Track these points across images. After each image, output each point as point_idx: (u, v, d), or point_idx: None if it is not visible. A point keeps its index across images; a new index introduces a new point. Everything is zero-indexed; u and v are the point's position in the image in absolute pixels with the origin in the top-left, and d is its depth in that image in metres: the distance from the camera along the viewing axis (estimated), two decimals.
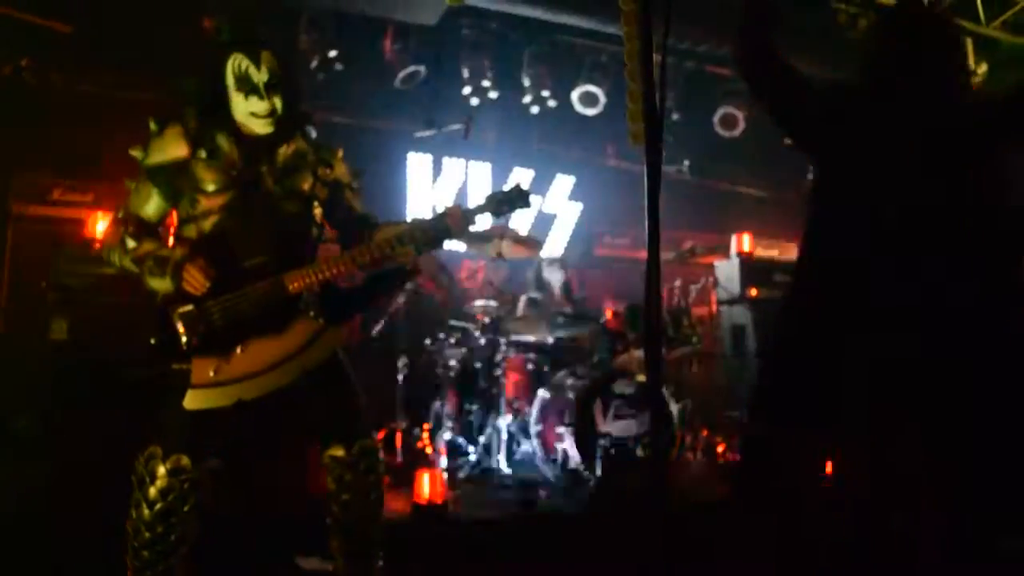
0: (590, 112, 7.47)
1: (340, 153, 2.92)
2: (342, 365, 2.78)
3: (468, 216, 2.80)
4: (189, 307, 2.53)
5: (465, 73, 7.12)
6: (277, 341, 2.61)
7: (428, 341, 5.67)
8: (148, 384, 3.48)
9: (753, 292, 6.42)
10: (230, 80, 2.63)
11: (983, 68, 6.27)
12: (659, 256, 1.42)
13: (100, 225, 4.93)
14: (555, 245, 8.05)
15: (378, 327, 5.58)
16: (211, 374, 2.52)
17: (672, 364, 5.74)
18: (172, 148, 2.63)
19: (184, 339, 2.52)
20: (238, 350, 2.56)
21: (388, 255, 2.72)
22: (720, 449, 5.67)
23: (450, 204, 2.83)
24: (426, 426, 5.39)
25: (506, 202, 2.86)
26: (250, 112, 2.64)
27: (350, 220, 2.92)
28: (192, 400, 2.51)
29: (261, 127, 2.67)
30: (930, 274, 2.00)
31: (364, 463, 2.72)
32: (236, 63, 2.62)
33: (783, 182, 8.49)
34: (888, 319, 2.00)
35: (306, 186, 2.77)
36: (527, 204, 2.90)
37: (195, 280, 2.50)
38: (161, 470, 2.47)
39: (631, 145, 1.42)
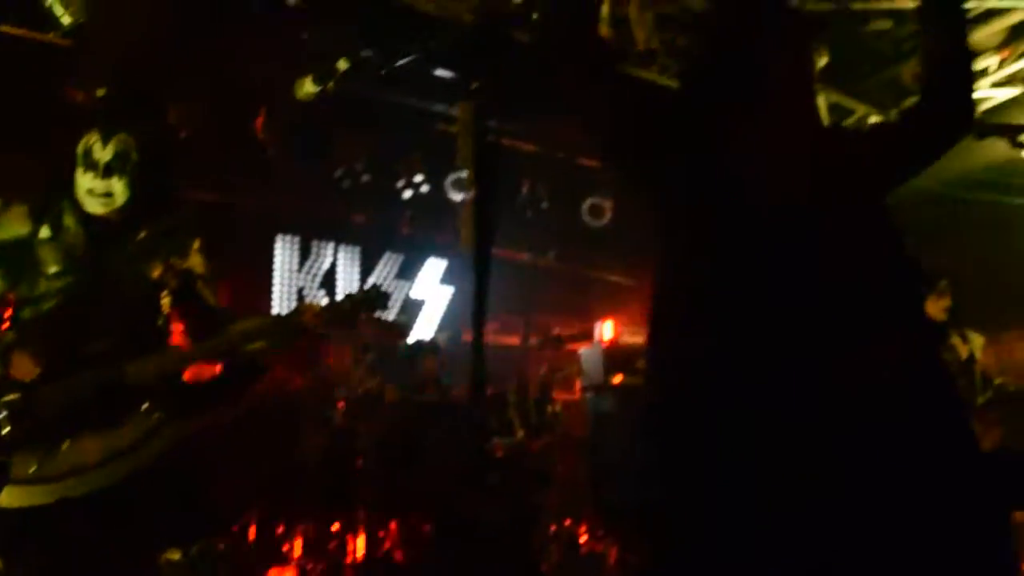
0: (462, 198, 7.59)
1: (198, 244, 2.82)
2: (186, 460, 2.65)
3: (324, 314, 2.80)
4: (15, 396, 2.38)
5: (338, 155, 7.13)
6: (110, 435, 2.46)
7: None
8: None
9: (617, 379, 6.51)
10: (79, 155, 2.56)
11: None
12: (483, 361, 1.42)
13: None
14: (425, 330, 8.02)
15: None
16: (32, 469, 2.36)
17: (537, 453, 5.72)
18: (14, 226, 2.55)
19: (5, 431, 2.35)
20: (65, 444, 2.40)
21: (240, 350, 2.68)
22: (582, 540, 5.64)
23: (311, 299, 2.82)
24: None
25: (364, 303, 2.89)
26: (87, 189, 2.56)
27: (200, 312, 2.81)
28: (8, 497, 2.34)
29: (95, 206, 2.57)
30: None
31: (202, 567, 2.58)
32: (87, 139, 2.56)
33: (648, 270, 8.74)
34: None
35: (155, 273, 2.68)
36: (385, 306, 2.94)
37: (23, 366, 2.39)
38: None
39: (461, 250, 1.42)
